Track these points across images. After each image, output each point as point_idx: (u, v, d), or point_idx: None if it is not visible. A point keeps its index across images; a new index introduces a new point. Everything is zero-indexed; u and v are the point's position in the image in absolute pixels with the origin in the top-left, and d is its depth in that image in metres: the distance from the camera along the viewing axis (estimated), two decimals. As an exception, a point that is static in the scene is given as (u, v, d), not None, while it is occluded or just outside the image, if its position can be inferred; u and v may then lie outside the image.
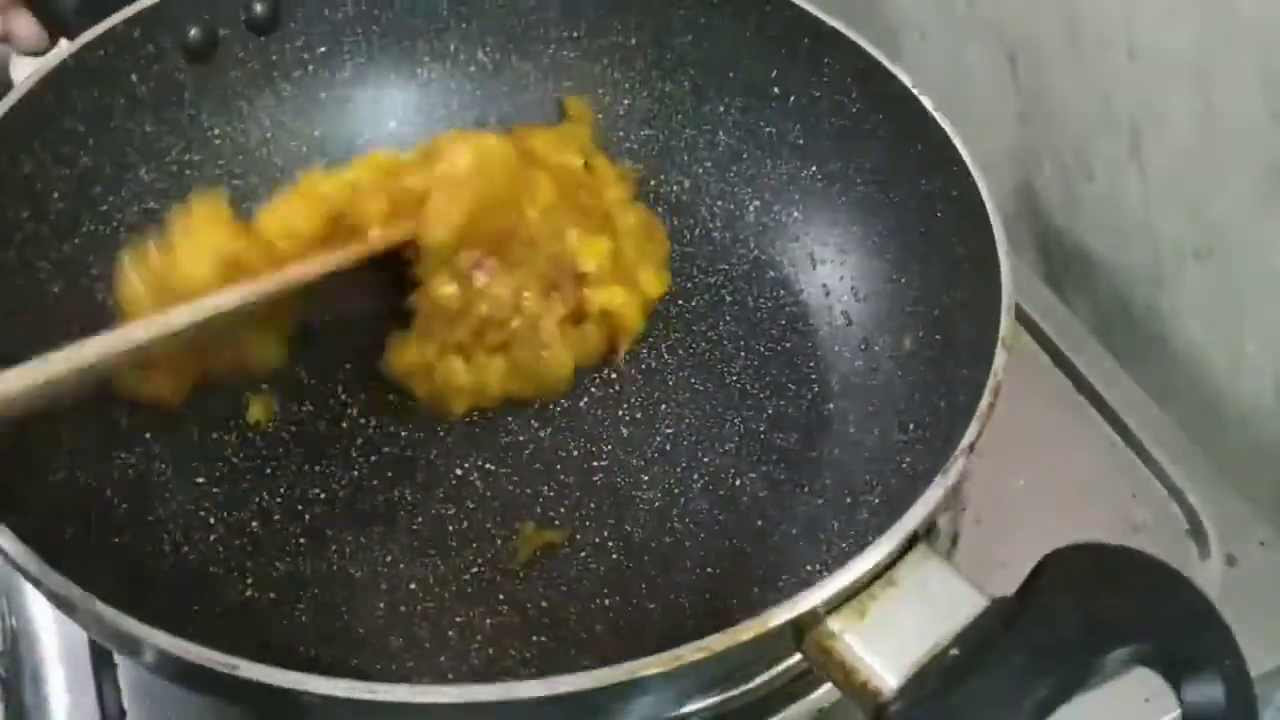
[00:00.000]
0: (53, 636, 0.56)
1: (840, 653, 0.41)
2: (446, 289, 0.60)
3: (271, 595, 0.53)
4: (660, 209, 0.72)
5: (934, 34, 0.83)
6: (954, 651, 0.41)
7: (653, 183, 0.72)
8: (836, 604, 0.42)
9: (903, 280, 0.63)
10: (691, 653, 0.39)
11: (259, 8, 0.67)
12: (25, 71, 0.60)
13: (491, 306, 0.60)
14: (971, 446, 0.46)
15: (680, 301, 0.68)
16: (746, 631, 0.39)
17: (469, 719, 0.40)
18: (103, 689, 0.54)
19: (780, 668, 0.55)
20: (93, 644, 0.55)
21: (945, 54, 0.82)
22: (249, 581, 0.54)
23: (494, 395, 0.61)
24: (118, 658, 0.55)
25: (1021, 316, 0.51)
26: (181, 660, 0.39)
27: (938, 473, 0.45)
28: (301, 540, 0.55)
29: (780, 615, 0.40)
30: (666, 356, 0.65)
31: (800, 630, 0.42)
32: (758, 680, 0.55)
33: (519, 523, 0.57)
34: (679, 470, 0.60)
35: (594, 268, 0.62)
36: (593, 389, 0.64)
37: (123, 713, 0.53)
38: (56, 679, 0.54)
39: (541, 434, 0.61)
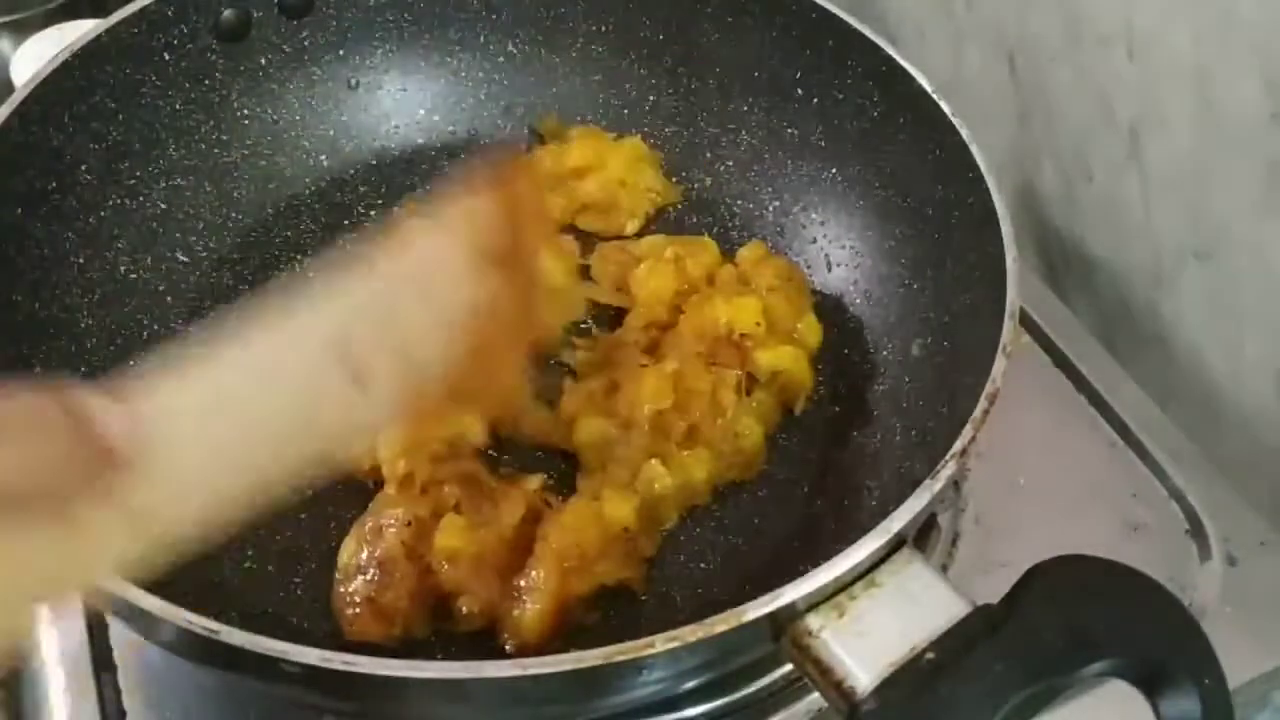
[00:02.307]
0: (52, 639, 0.56)
1: (817, 650, 0.41)
2: (589, 433, 0.58)
3: (270, 567, 0.54)
4: (681, 206, 0.72)
5: (933, 34, 0.83)
6: (930, 655, 0.41)
7: (674, 179, 0.73)
8: (815, 602, 0.42)
9: (915, 286, 0.63)
10: (663, 642, 0.39)
11: (292, -9, 0.69)
12: (26, 71, 0.61)
13: (650, 403, 0.57)
14: (963, 452, 0.46)
15: (693, 298, 0.68)
16: (720, 624, 0.40)
17: (444, 696, 0.41)
18: (102, 691, 0.54)
19: (781, 672, 0.56)
20: (92, 646, 0.56)
21: (945, 54, 0.82)
22: (249, 553, 0.55)
23: (703, 491, 0.58)
24: (118, 659, 0.55)
25: (1022, 317, 0.51)
26: (170, 624, 0.40)
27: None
28: (302, 515, 0.56)
29: (756, 609, 0.40)
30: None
31: (778, 626, 0.42)
32: (759, 684, 0.55)
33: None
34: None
35: (753, 328, 0.60)
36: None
37: (122, 714, 0.54)
38: (56, 680, 0.54)
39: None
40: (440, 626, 0.52)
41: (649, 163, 0.71)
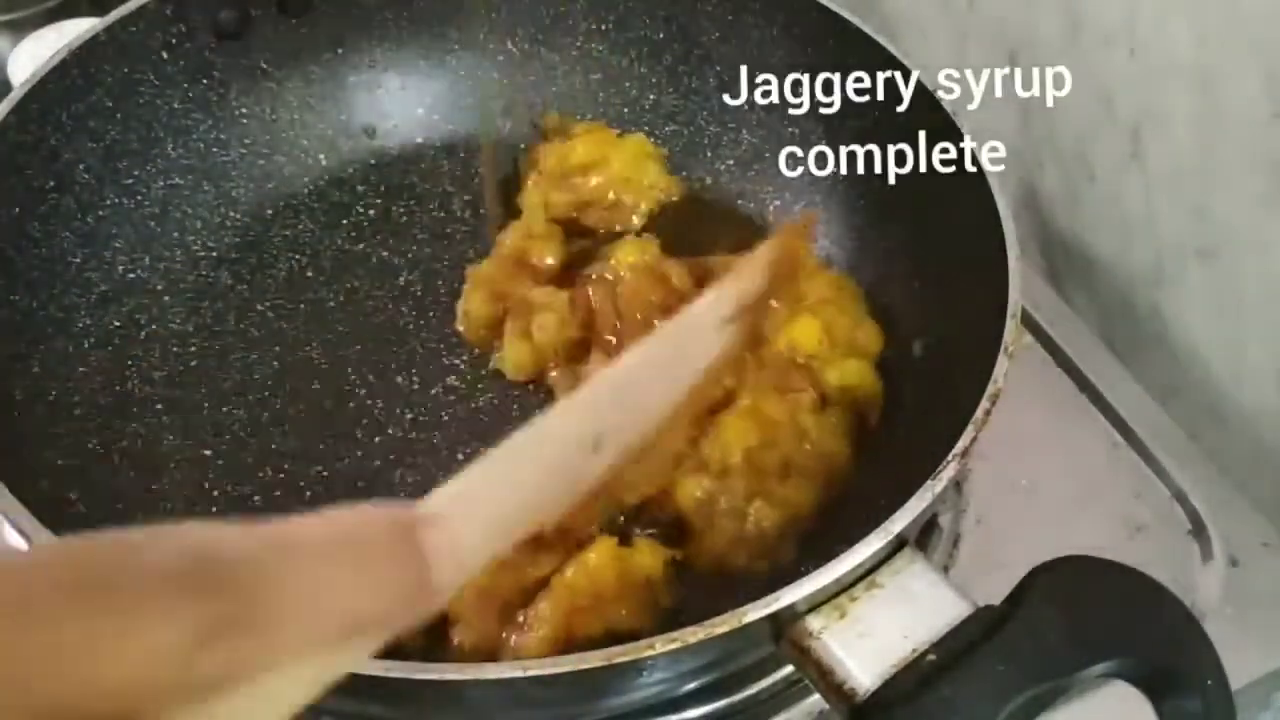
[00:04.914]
0: None
1: (817, 652, 0.41)
2: (691, 493, 0.55)
3: (268, 568, 0.54)
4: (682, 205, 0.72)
5: (934, 33, 0.83)
6: (932, 656, 0.40)
7: (675, 178, 0.73)
8: (816, 603, 0.42)
9: (916, 286, 0.62)
10: (664, 643, 0.39)
11: (290, -11, 0.68)
12: (24, 70, 0.61)
13: (740, 443, 0.56)
14: (964, 453, 0.46)
15: (694, 298, 0.68)
16: (721, 625, 0.39)
17: (443, 697, 0.40)
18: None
19: (781, 673, 0.55)
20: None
21: (946, 53, 0.82)
22: (247, 554, 0.54)
23: (810, 516, 0.56)
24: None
25: (1024, 317, 0.51)
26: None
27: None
28: (302, 516, 0.56)
29: (757, 611, 0.40)
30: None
31: (779, 627, 0.42)
32: (759, 686, 0.55)
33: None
34: (681, 465, 0.60)
35: (817, 347, 0.59)
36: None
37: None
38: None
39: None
40: (432, 650, 0.50)
41: (653, 159, 0.71)
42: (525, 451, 0.32)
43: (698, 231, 0.70)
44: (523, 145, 0.73)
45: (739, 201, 0.72)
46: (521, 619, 0.50)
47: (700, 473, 0.56)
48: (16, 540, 0.57)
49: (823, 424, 0.58)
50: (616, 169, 0.70)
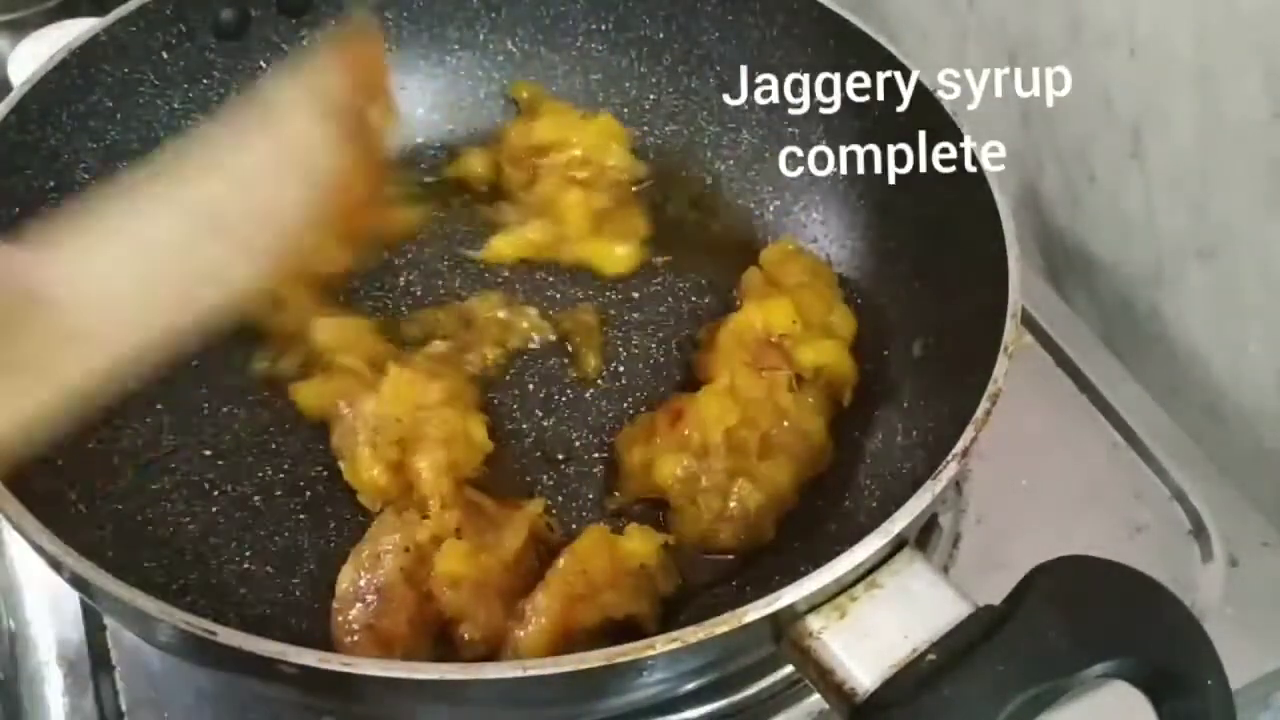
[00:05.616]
0: (50, 639, 0.56)
1: (817, 652, 0.41)
2: (671, 471, 0.56)
3: (268, 568, 0.54)
4: (680, 204, 0.72)
5: (935, 34, 0.83)
6: (932, 656, 0.40)
7: (674, 177, 0.73)
8: (816, 603, 0.42)
9: (916, 285, 0.63)
10: (664, 643, 0.39)
11: (291, -11, 0.68)
12: (25, 70, 0.61)
13: (719, 422, 0.57)
14: (964, 453, 0.45)
15: (694, 298, 0.68)
16: (721, 625, 0.39)
17: (444, 697, 0.40)
18: (101, 691, 0.54)
19: (781, 673, 0.55)
20: (91, 646, 0.55)
21: (947, 53, 0.82)
22: (247, 554, 0.54)
23: (792, 496, 0.57)
24: (116, 659, 0.55)
25: (1024, 317, 0.51)
26: (166, 625, 0.40)
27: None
28: (301, 515, 0.56)
29: (757, 611, 0.40)
30: (677, 354, 0.65)
31: (779, 627, 0.42)
32: (760, 686, 0.55)
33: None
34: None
35: (790, 327, 0.60)
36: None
37: (120, 714, 0.53)
38: (54, 681, 0.54)
39: (545, 422, 0.61)
40: (442, 653, 0.51)
41: (617, 140, 0.71)
42: (134, 224, 0.35)
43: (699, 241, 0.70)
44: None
45: (739, 201, 0.72)
46: (521, 610, 0.50)
47: (681, 451, 0.56)
48: (16, 540, 0.58)
49: (800, 402, 0.59)
50: (577, 150, 0.70)
